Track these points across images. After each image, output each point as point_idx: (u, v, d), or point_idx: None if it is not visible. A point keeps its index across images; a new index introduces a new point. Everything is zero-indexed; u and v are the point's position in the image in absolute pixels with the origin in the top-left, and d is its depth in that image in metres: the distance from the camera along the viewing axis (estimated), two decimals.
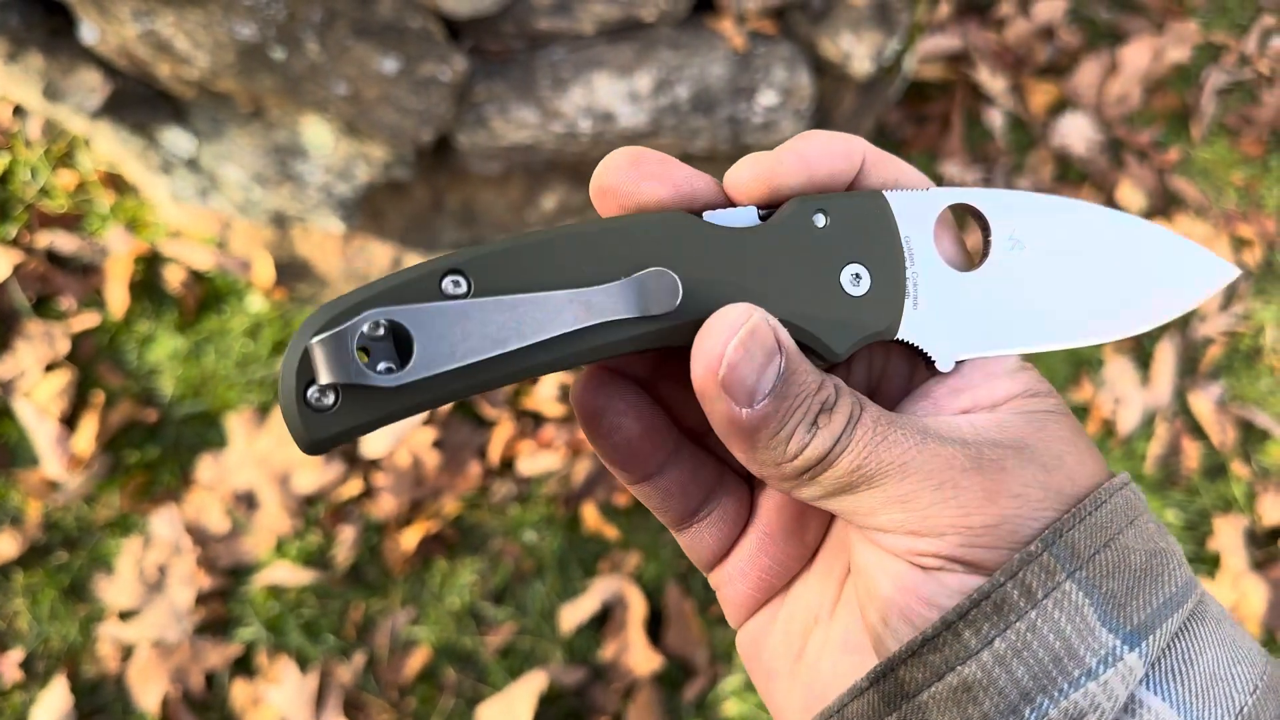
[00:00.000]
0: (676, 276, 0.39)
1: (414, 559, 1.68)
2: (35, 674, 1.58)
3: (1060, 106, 2.24)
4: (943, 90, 2.23)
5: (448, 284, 0.38)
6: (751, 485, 0.49)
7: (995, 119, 2.20)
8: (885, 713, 0.37)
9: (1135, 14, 2.37)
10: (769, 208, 0.43)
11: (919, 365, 0.46)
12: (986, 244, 0.46)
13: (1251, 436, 1.93)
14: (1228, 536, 1.80)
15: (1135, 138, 2.20)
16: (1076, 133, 2.18)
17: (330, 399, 0.36)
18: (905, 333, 0.43)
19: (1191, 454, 1.90)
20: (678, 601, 1.66)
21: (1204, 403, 1.93)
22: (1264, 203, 2.16)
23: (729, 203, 0.43)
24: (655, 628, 1.66)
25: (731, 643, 1.66)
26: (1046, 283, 0.46)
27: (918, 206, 0.44)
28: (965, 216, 0.48)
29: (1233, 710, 0.34)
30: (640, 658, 1.61)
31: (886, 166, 0.44)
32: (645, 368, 0.46)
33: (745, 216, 0.42)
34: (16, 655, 1.59)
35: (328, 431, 0.36)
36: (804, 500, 0.41)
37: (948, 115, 2.20)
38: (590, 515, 1.72)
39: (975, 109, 2.21)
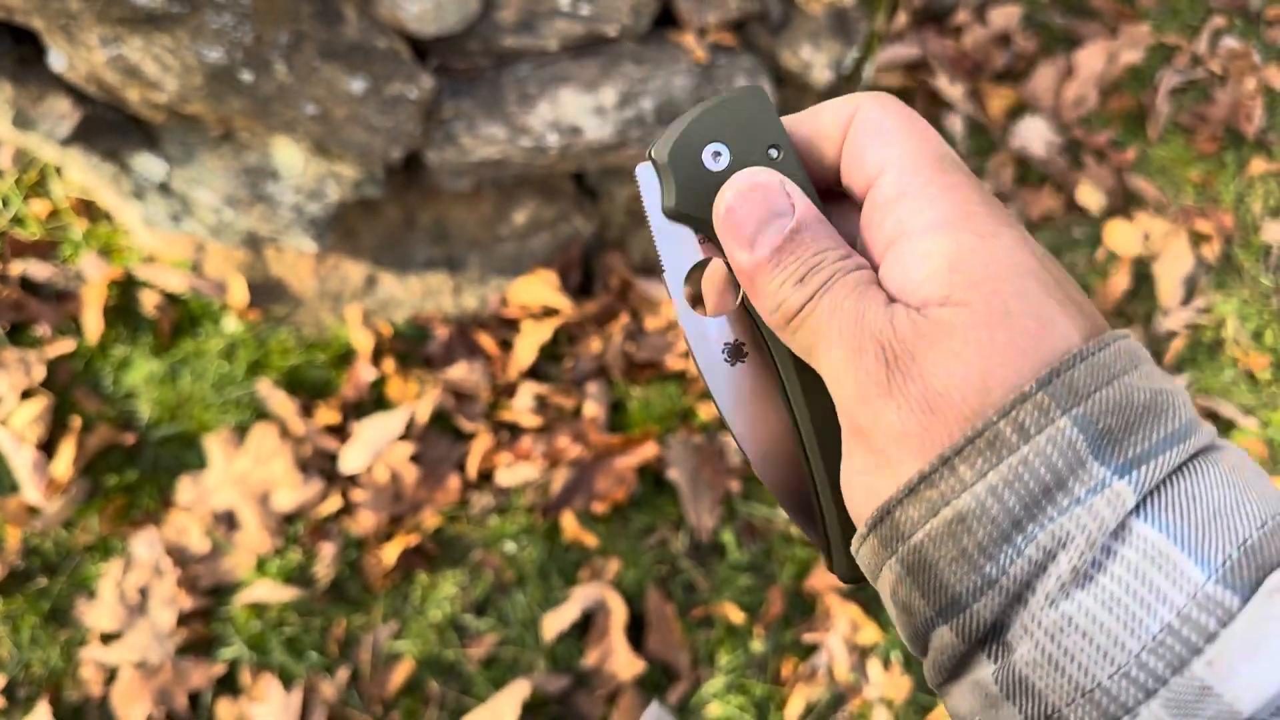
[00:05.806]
0: None
1: (395, 573, 1.69)
2: (17, 700, 1.58)
3: (1018, 110, 2.29)
4: (903, 97, 2.28)
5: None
6: None
7: (955, 124, 2.25)
8: (885, 556, 0.38)
9: (1089, 19, 2.43)
10: None
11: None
12: None
13: (1218, 427, 1.97)
14: None
15: (1093, 139, 2.25)
16: (1035, 135, 2.23)
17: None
18: None
19: None
20: (658, 606, 1.68)
21: None
22: (1220, 198, 2.22)
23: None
24: (637, 633, 1.68)
25: (713, 645, 1.67)
26: None
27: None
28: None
29: (1235, 541, 0.32)
30: (623, 663, 1.62)
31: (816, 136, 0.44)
32: None
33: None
34: None
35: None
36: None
37: None
38: (569, 524, 1.74)
39: (935, 115, 2.26)
